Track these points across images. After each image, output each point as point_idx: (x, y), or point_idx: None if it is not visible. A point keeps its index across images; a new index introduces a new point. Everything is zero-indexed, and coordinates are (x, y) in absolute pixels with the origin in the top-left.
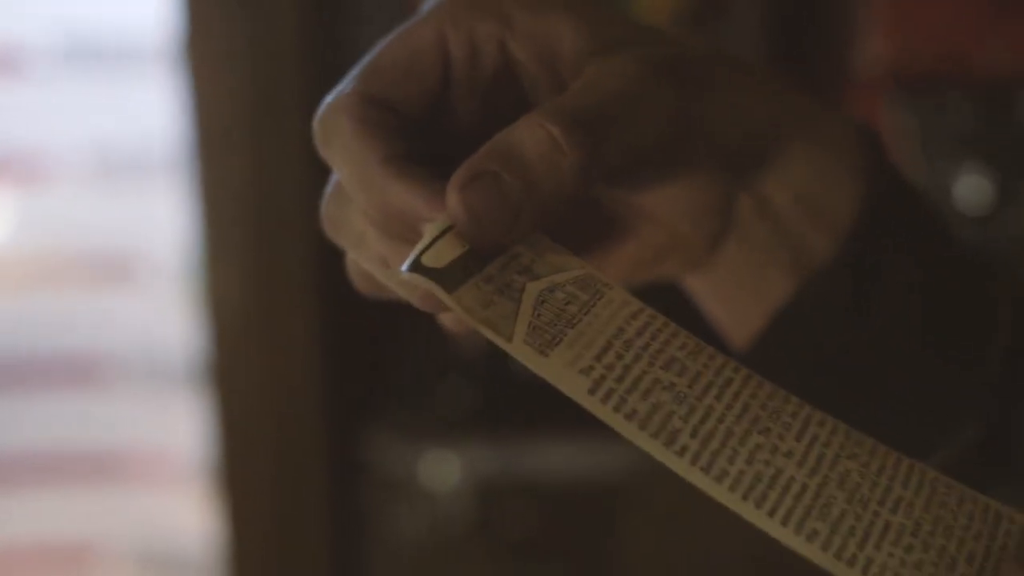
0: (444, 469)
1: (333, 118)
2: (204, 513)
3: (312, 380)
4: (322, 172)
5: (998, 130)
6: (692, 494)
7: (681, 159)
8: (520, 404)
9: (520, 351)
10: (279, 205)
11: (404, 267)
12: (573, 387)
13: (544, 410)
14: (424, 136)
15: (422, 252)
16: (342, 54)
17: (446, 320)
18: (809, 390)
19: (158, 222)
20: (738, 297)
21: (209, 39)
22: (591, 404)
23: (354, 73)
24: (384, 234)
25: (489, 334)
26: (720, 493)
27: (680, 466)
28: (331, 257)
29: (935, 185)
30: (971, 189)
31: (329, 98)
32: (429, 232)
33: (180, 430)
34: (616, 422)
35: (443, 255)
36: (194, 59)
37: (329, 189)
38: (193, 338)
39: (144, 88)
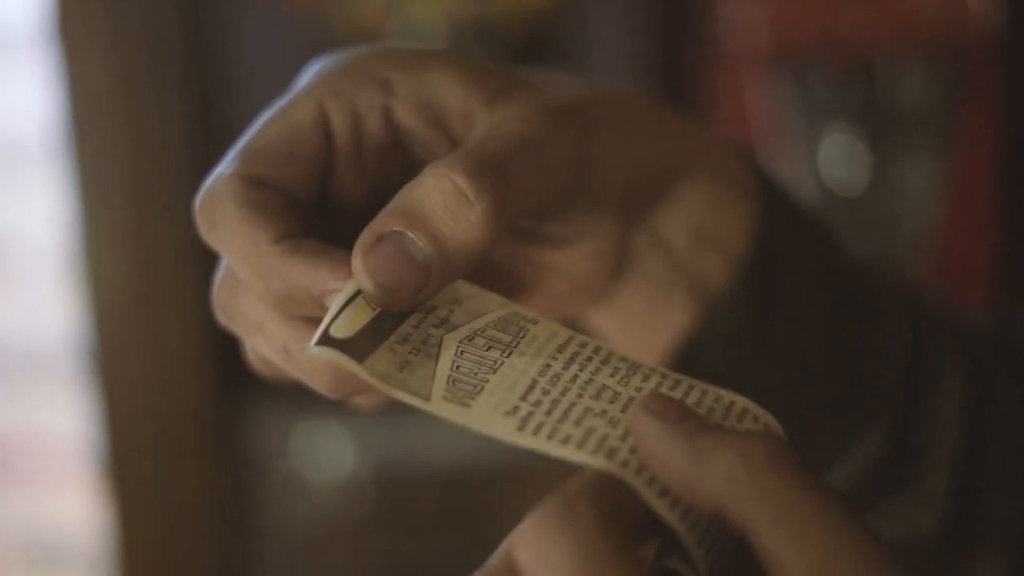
0: (338, 453)
1: (215, 204)
2: (90, 504)
3: (196, 364)
4: (200, 157)
5: (864, 104)
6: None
7: (580, 202)
8: None
9: (440, 408)
10: (157, 188)
11: (312, 342)
12: (500, 429)
13: None
14: (312, 215)
15: (329, 324)
16: (221, 33)
17: (359, 401)
18: None
19: (36, 209)
20: (639, 330)
21: (83, 22)
22: (522, 439)
23: (232, 155)
24: (284, 318)
25: (405, 398)
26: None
27: (628, 476)
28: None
29: (807, 161)
30: (843, 166)
31: (208, 183)
32: (335, 303)
33: (62, 420)
34: (552, 448)
35: (353, 323)
36: (68, 43)
37: (219, 276)
38: (74, 326)
39: (17, 74)
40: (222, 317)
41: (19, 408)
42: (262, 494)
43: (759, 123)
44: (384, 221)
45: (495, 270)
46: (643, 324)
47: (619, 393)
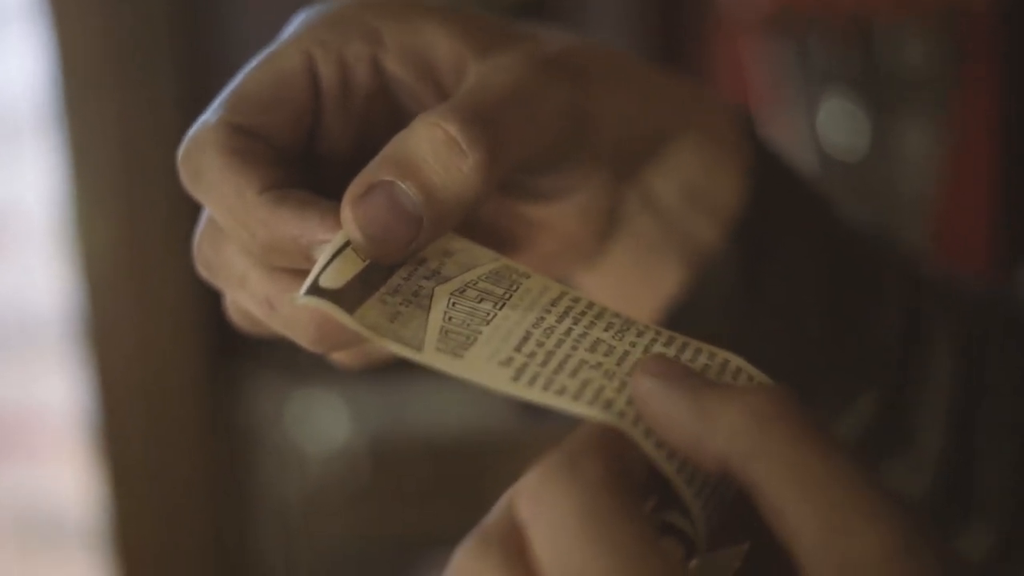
0: (332, 423)
1: (199, 153)
2: (84, 476)
3: (189, 334)
4: (191, 127)
5: (863, 68)
6: None
7: (572, 157)
8: None
9: (433, 359)
10: (148, 159)
11: (302, 292)
12: (495, 379)
13: None
14: (299, 166)
15: (319, 274)
16: (212, 2)
17: (338, 357)
18: None
19: (27, 181)
20: (631, 290)
21: None
22: (517, 390)
23: (217, 103)
24: (269, 271)
25: (397, 348)
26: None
27: (625, 426)
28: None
29: (806, 126)
30: (842, 131)
31: (192, 131)
32: (324, 253)
33: (55, 392)
34: (547, 399)
35: (342, 274)
36: (57, 9)
37: (201, 227)
38: (66, 298)
39: (8, 47)
40: (203, 270)
41: (12, 380)
42: (257, 464)
43: (757, 88)
44: (374, 170)
45: (484, 225)
46: (634, 284)
47: (614, 347)
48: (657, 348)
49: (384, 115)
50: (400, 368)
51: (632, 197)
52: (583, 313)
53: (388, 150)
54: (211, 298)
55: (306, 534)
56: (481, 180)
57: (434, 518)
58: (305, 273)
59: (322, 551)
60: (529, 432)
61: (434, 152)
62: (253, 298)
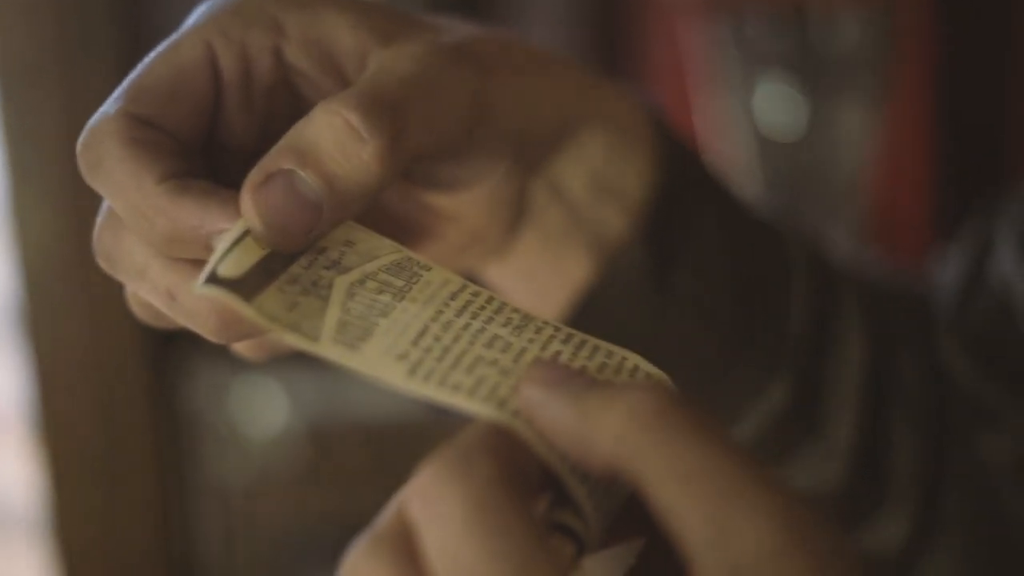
0: (272, 408)
1: (98, 142)
2: (23, 465)
3: (129, 321)
4: None
5: (799, 50)
6: None
7: (476, 146)
8: None
9: (329, 350)
10: None
11: (200, 281)
12: (390, 374)
13: None
14: (199, 158)
15: (217, 264)
16: None
17: (241, 348)
18: None
19: None
20: (538, 283)
21: None
22: (412, 385)
23: (117, 93)
24: (169, 262)
25: (294, 339)
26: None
27: (518, 425)
28: None
29: (742, 108)
30: (778, 113)
31: (91, 121)
32: (223, 242)
33: None
34: (442, 395)
35: (241, 263)
36: None
37: (101, 219)
38: (4, 284)
39: None
40: (104, 262)
41: None
42: (198, 450)
43: (693, 71)
44: (273, 159)
45: (389, 215)
46: (542, 277)
47: (511, 343)
48: (555, 346)
49: (286, 106)
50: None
51: (539, 188)
52: (482, 308)
53: (287, 138)
54: None
55: (248, 518)
56: (381, 168)
57: (375, 501)
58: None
59: (264, 535)
60: (468, 417)
61: (333, 139)
62: (154, 290)
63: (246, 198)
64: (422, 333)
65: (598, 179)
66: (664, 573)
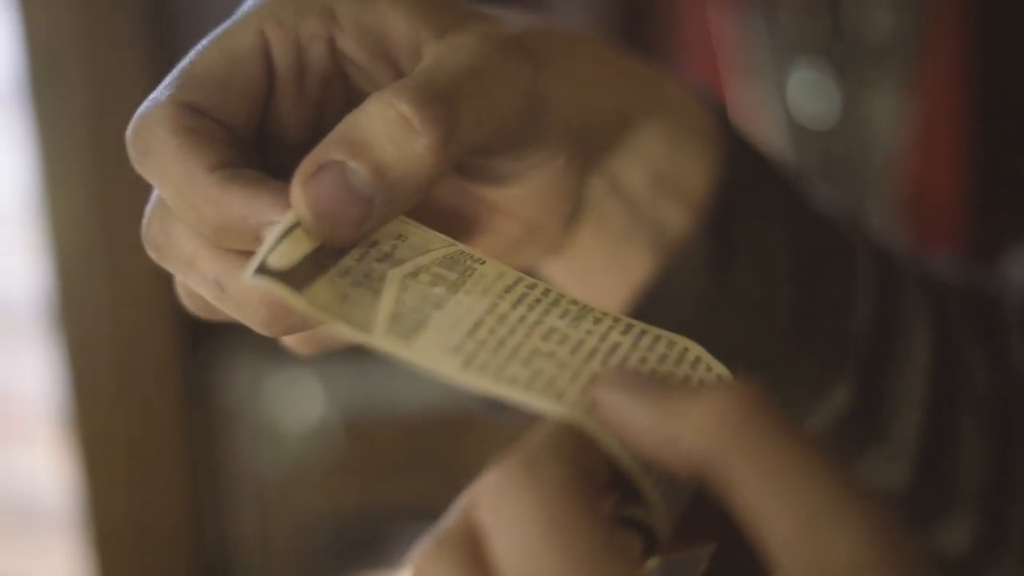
0: (307, 400)
1: (148, 130)
2: (58, 460)
3: (162, 314)
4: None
5: (831, 37)
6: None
7: (532, 139)
8: None
9: (382, 342)
10: (119, 139)
11: (249, 271)
12: (444, 366)
13: None
14: (250, 148)
15: (267, 255)
16: None
17: (290, 342)
18: None
19: None
20: (598, 280)
21: None
22: (466, 378)
23: (168, 81)
24: (218, 251)
25: (346, 330)
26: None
27: (577, 416)
28: None
29: (776, 96)
30: (812, 101)
31: (141, 108)
32: (273, 233)
33: (28, 376)
34: (497, 388)
35: (291, 255)
36: None
37: (150, 207)
38: (37, 280)
39: None
40: (153, 251)
41: None
42: (233, 443)
43: (726, 59)
44: (325, 150)
45: (444, 209)
46: (602, 271)
47: (568, 335)
48: (614, 337)
49: (339, 96)
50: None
51: (597, 183)
52: (538, 300)
53: (339, 129)
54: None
55: (283, 511)
56: (434, 161)
57: (409, 493)
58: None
59: (299, 528)
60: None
61: (386, 131)
62: (202, 280)
63: (296, 189)
64: (477, 325)
65: (658, 174)
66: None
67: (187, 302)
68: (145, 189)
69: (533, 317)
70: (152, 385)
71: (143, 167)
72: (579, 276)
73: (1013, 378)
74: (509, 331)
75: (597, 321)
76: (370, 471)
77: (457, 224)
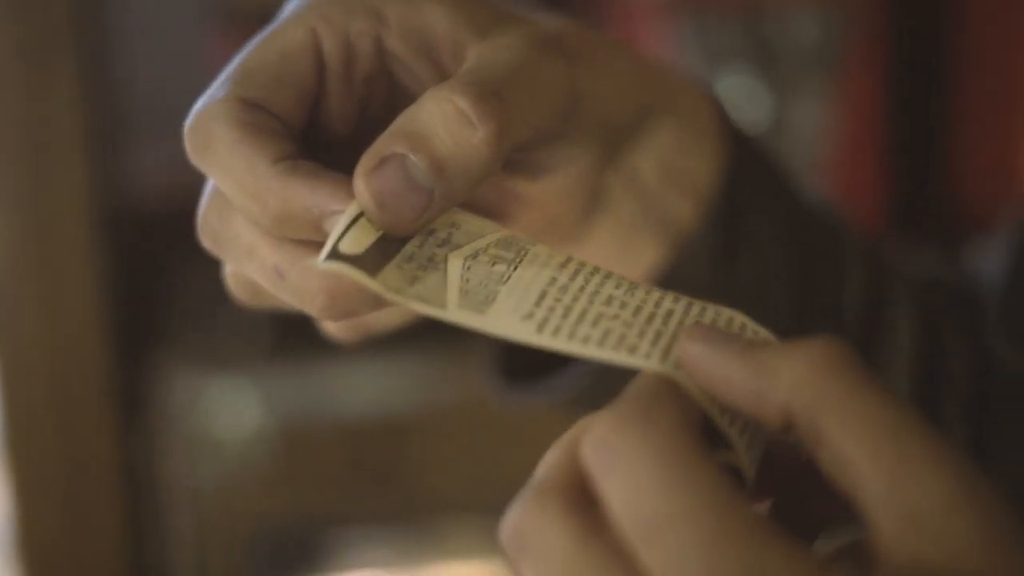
0: (245, 408)
1: (208, 126)
2: None
3: (98, 325)
4: (96, 117)
5: (758, 45)
6: (497, 421)
7: (567, 135)
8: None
9: (458, 316)
10: (54, 151)
11: (322, 258)
12: (520, 332)
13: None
14: (299, 143)
15: (338, 242)
16: None
17: (336, 329)
18: None
19: None
20: (609, 268)
21: None
22: (543, 340)
23: (223, 79)
24: (277, 241)
25: (422, 308)
26: None
27: (653, 366)
28: (107, 184)
29: None
30: (741, 107)
31: (200, 105)
32: (341, 221)
33: None
34: (573, 347)
35: (359, 242)
36: None
37: (206, 200)
38: None
39: None
40: (209, 242)
41: None
42: (170, 453)
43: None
44: (386, 143)
45: (474, 200)
46: (613, 261)
47: (626, 302)
48: (666, 304)
49: (381, 93)
50: (310, 352)
51: (614, 176)
52: (592, 274)
53: (399, 123)
54: (121, 290)
55: (221, 521)
56: (490, 154)
57: (348, 500)
58: (315, 243)
59: (237, 537)
60: (439, 414)
61: (444, 125)
62: (261, 268)
63: (360, 181)
64: (542, 295)
65: (670, 168)
66: (826, 521)
67: (237, 290)
68: (80, 203)
69: (591, 287)
70: (87, 398)
71: (203, 161)
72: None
73: (990, 368)
74: (572, 299)
75: (648, 292)
76: (309, 479)
77: (485, 215)
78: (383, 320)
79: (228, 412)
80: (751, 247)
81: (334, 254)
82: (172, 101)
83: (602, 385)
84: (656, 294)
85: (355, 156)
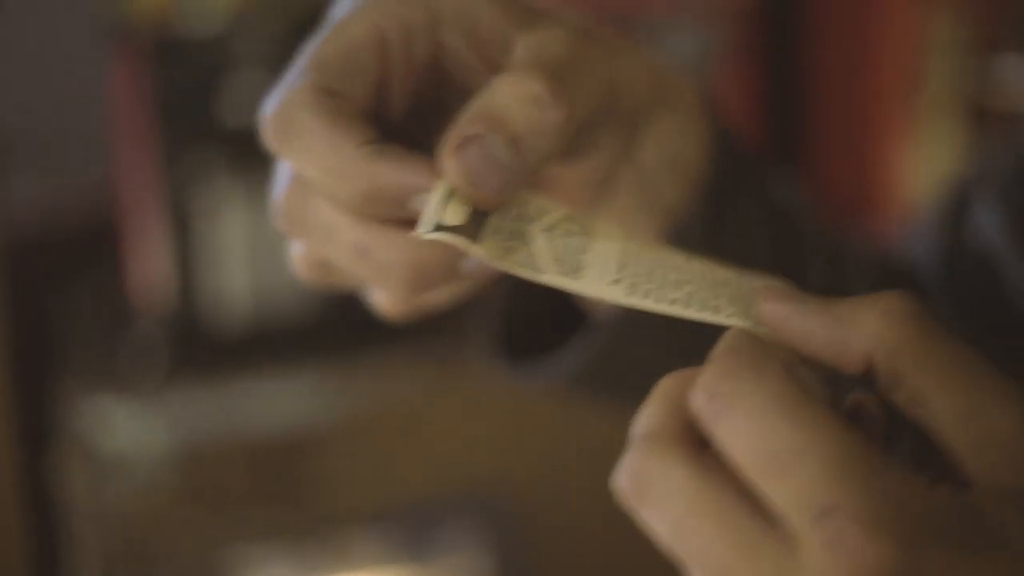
0: (148, 431)
1: (291, 114)
2: None
3: None
4: None
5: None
6: (399, 433)
7: (603, 122)
8: (217, 353)
9: (555, 280)
10: None
11: (425, 229)
12: (612, 295)
13: (243, 357)
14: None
15: (438, 215)
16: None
17: (391, 306)
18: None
19: None
20: None
21: None
22: (634, 302)
23: (298, 71)
24: (360, 221)
25: (524, 272)
26: None
27: (739, 323)
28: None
29: None
30: None
31: (279, 96)
32: (435, 197)
33: None
34: (663, 308)
35: (454, 216)
36: None
37: (284, 186)
38: None
39: None
40: (287, 224)
41: None
42: (76, 476)
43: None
44: (468, 124)
45: None
46: None
47: (692, 270)
48: (722, 272)
49: (434, 83)
50: (211, 372)
51: (624, 163)
52: (652, 248)
53: (477, 106)
54: (19, 316)
55: (128, 542)
56: (560, 133)
57: (251, 517)
58: (396, 222)
59: (144, 557)
60: (342, 432)
61: (520, 107)
62: (341, 247)
63: (447, 160)
64: (622, 264)
65: (670, 156)
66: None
67: (306, 272)
68: None
69: (659, 257)
70: None
71: (287, 147)
72: None
73: None
74: (649, 267)
75: (703, 262)
76: (213, 498)
77: None
78: (437, 297)
79: (132, 435)
80: (737, 231)
81: (438, 226)
82: (59, 125)
83: (599, 365)
84: (710, 263)
85: (409, 142)
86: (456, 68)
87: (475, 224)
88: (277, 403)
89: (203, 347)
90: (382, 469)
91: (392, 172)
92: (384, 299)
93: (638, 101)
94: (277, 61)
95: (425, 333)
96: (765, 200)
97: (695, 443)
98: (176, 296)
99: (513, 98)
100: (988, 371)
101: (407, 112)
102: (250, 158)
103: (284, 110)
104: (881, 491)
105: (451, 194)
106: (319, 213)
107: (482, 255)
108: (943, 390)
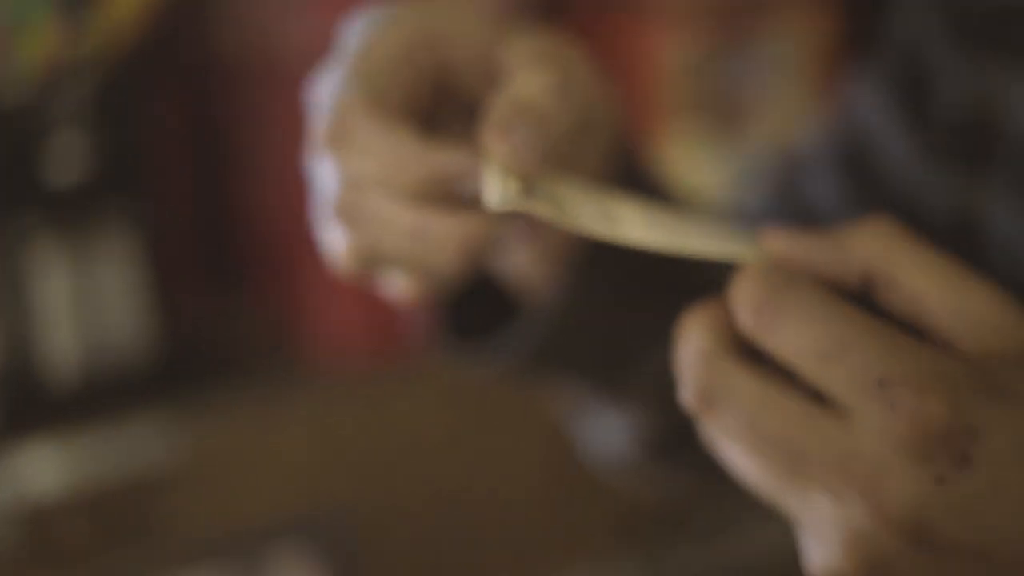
0: None
1: (347, 120)
2: None
3: None
4: None
5: None
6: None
7: (587, 124)
8: (52, 409)
9: (609, 233)
10: None
11: (496, 201)
12: (656, 244)
13: (78, 411)
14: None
15: (502, 187)
16: None
17: (412, 286)
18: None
19: None
20: (544, 243)
21: None
22: (674, 247)
23: (343, 79)
24: (415, 207)
25: (582, 227)
26: None
27: (756, 256)
28: None
29: None
30: None
31: (329, 107)
32: (493, 174)
33: None
34: (695, 250)
35: (510, 188)
36: None
37: (335, 187)
38: None
39: None
40: (343, 219)
41: None
42: None
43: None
44: (507, 112)
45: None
46: (549, 239)
47: (697, 220)
48: (713, 222)
49: (439, 89)
50: (48, 430)
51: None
52: (656, 205)
53: (511, 97)
54: None
55: None
56: (573, 114)
57: (95, 567)
58: (451, 204)
59: None
60: (177, 469)
61: (544, 96)
62: (398, 233)
63: (498, 143)
64: (651, 222)
65: (605, 154)
66: None
67: (354, 262)
68: None
69: (670, 211)
70: None
71: (346, 150)
72: (527, 239)
73: None
74: (668, 219)
75: (695, 215)
76: (59, 553)
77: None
78: (454, 275)
79: None
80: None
81: (504, 197)
82: None
83: (549, 347)
84: (700, 215)
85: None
86: (461, 79)
87: (526, 192)
88: (115, 451)
89: (38, 405)
90: (223, 503)
91: (445, 159)
92: (407, 284)
93: (608, 107)
94: (92, 120)
95: (257, 371)
96: (657, 190)
97: (747, 354)
98: (7, 356)
99: (539, 88)
100: (970, 272)
101: (423, 112)
102: (74, 217)
103: (339, 118)
104: (923, 362)
105: (505, 172)
106: (377, 206)
107: (551, 217)
108: (936, 287)
